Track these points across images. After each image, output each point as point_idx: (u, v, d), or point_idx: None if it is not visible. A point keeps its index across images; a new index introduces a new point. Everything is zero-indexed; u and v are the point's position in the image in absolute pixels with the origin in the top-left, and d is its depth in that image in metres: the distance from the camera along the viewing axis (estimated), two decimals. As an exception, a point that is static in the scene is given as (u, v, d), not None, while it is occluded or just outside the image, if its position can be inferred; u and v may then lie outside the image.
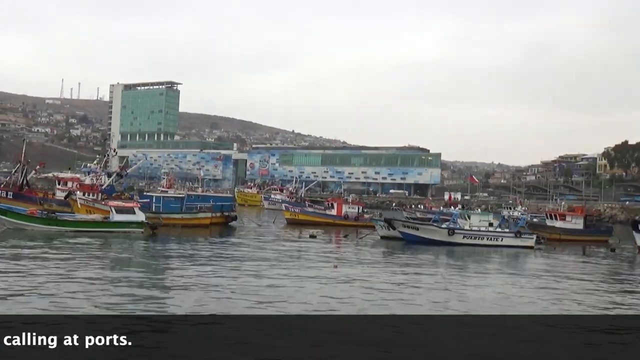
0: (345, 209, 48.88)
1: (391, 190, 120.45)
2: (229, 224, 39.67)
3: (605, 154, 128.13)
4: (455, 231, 34.43)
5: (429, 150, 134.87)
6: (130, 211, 32.38)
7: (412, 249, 30.96)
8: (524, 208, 57.72)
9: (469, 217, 36.40)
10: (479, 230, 35.53)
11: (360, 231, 38.20)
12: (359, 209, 50.08)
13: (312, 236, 36.20)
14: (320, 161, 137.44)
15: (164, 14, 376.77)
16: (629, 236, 38.07)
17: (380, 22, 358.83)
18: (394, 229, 35.23)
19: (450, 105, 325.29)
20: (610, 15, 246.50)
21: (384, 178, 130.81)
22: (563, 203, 54.25)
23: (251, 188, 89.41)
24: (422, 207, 68.76)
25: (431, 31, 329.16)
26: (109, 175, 49.38)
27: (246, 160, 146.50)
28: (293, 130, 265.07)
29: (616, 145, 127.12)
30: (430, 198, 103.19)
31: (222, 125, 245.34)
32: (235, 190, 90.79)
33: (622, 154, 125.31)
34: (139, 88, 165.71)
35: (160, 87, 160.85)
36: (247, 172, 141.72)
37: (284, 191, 76.12)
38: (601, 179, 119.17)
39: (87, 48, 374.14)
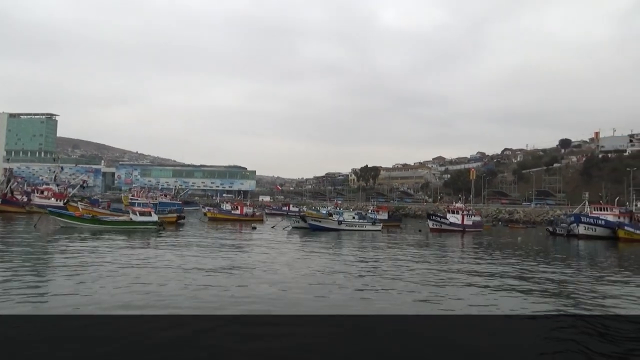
0: (245, 209, 66.34)
1: (224, 195, 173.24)
2: (180, 221, 51.46)
3: (354, 172, 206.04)
4: (342, 222, 49.27)
5: (246, 168, 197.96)
6: (148, 214, 40.19)
7: (318, 233, 43.49)
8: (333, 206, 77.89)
9: (343, 214, 52.55)
10: (353, 221, 51.84)
11: (278, 223, 51.94)
12: (253, 209, 69.51)
13: (254, 227, 47.89)
14: (172, 174, 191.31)
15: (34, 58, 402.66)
16: (423, 222, 61.66)
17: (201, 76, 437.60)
18: (305, 222, 48.42)
19: (250, 137, 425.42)
20: (346, 84, 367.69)
21: (218, 187, 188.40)
22: (375, 203, 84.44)
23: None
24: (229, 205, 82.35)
25: (230, 87, 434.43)
26: (73, 186, 74.00)
27: (113, 172, 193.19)
28: (137, 151, 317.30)
29: (361, 167, 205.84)
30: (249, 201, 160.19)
31: (81, 146, 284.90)
32: (122, 195, 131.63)
33: (364, 172, 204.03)
34: (22, 117, 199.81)
35: (42, 117, 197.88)
36: (115, 182, 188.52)
37: (167, 196, 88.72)
38: (352, 187, 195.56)
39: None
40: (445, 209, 60.59)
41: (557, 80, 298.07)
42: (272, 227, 50.55)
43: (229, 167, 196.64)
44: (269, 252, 27.65)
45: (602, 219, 50.59)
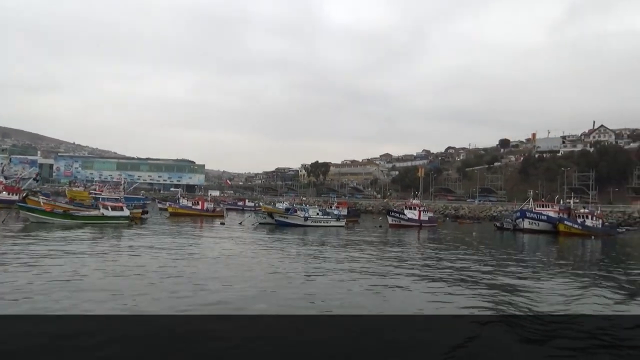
0: (206, 205, 66.98)
1: (171, 189, 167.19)
2: (144, 216, 50.29)
3: (304, 167, 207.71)
4: (308, 218, 50.27)
5: (195, 162, 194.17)
6: (120, 209, 39.93)
7: (284, 228, 45.52)
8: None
9: (308, 210, 53.22)
10: (319, 217, 52.72)
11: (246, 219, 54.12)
12: (214, 204, 70.68)
13: (222, 223, 49.24)
14: (116, 167, 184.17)
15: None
16: (377, 218, 70.50)
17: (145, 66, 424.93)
18: (273, 218, 49.70)
19: (197, 129, 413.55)
20: (295, 79, 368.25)
21: (165, 181, 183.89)
22: (335, 200, 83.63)
23: (79, 187, 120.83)
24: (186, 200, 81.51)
25: (175, 77, 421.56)
26: (25, 179, 75.58)
27: (51, 164, 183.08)
28: (74, 142, 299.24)
29: (311, 163, 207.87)
30: (198, 194, 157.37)
31: (12, 135, 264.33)
32: (66, 189, 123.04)
33: (314, 168, 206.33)
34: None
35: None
36: (54, 174, 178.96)
37: (105, 189, 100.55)
38: (302, 183, 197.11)
39: None
40: (403, 206, 63.14)
41: (496, 83, 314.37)
42: (240, 224, 51.03)
43: (177, 160, 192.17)
44: (262, 252, 28.04)
45: (544, 215, 54.99)
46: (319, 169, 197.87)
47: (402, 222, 56.00)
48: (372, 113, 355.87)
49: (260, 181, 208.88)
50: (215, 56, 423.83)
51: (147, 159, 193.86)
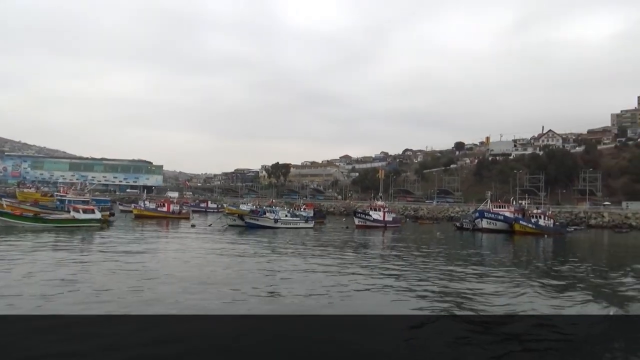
0: (172, 207, 66.60)
1: (127, 190, 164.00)
2: (111, 218, 49.10)
3: (265, 168, 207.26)
4: (278, 220, 50.66)
5: (152, 162, 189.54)
6: (91, 212, 39.34)
7: (254, 230, 45.69)
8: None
9: (278, 212, 53.66)
10: (289, 218, 53.47)
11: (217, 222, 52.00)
12: (180, 206, 69.87)
13: (193, 225, 49.24)
14: (68, 168, 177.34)
15: None
16: (341, 219, 75.08)
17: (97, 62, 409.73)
18: (242, 220, 49.34)
19: (153, 129, 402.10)
20: (255, 80, 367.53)
21: (121, 182, 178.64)
22: (301, 201, 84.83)
23: (30, 188, 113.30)
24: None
25: (130, 75, 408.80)
26: None
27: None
28: (20, 140, 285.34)
29: (272, 164, 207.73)
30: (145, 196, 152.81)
31: None
32: (16, 190, 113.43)
33: (275, 169, 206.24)
34: None
35: None
36: (0, 174, 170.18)
37: (70, 191, 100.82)
38: (263, 184, 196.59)
39: None
40: (369, 207, 64.76)
41: (452, 86, 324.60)
42: (209, 225, 50.96)
43: (134, 161, 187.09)
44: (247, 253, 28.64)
45: (501, 215, 57.98)
46: (279, 170, 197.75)
47: (368, 223, 57.52)
48: (331, 114, 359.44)
49: (219, 182, 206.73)
50: (173, 54, 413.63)
51: (102, 159, 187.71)
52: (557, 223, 63.25)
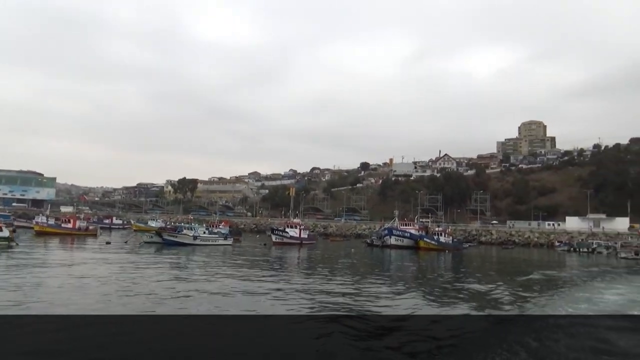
0: (78, 223, 63.30)
1: (13, 204, 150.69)
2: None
3: (170, 183, 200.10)
4: (197, 237, 50.66)
5: (43, 174, 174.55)
6: None
7: (173, 247, 44.55)
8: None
9: (197, 229, 54.43)
10: (207, 235, 53.85)
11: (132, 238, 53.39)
12: (87, 222, 67.31)
13: (108, 242, 47.12)
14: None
15: None
16: (254, 236, 78.29)
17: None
18: (161, 237, 48.38)
19: (41, 138, 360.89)
20: (159, 91, 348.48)
21: (5, 194, 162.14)
22: (218, 219, 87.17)
23: None
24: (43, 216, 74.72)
25: (24, 82, 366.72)
26: None
27: None
28: None
29: (179, 179, 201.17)
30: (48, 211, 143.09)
31: None
32: None
33: (182, 184, 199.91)
34: None
35: None
36: None
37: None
38: (168, 199, 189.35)
39: None
40: (285, 224, 66.12)
41: (358, 108, 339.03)
42: (125, 242, 49.13)
43: (21, 172, 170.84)
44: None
45: (407, 232, 62.53)
46: (186, 185, 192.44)
47: (285, 240, 58.81)
48: (239, 130, 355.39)
49: (120, 197, 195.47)
50: (66, 60, 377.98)
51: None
52: (455, 240, 69.48)
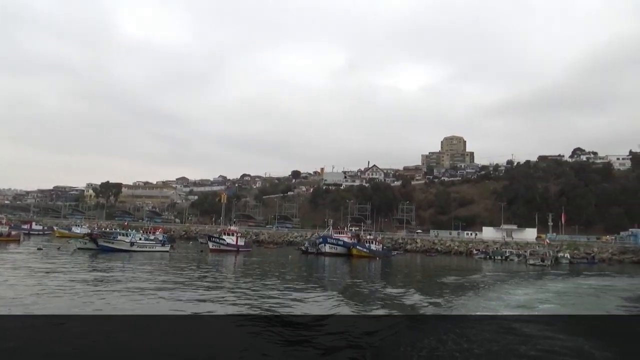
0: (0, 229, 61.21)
1: None
2: None
3: (92, 187, 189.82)
4: (134, 243, 50.06)
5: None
6: None
7: (109, 254, 43.62)
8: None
9: (135, 235, 53.19)
10: (145, 242, 52.95)
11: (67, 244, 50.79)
12: (8, 227, 64.28)
13: (40, 249, 46.59)
14: None
15: None
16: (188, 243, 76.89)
17: None
18: (96, 243, 47.40)
19: None
20: (77, 89, 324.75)
21: None
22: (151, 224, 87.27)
23: None
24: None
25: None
26: None
27: None
28: None
29: (101, 183, 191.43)
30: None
31: None
32: None
33: (105, 188, 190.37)
34: None
35: None
36: None
37: None
38: (90, 204, 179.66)
39: None
40: (222, 231, 66.46)
41: (290, 117, 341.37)
42: (58, 249, 47.26)
43: None
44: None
45: (341, 240, 65.45)
46: (109, 189, 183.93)
47: (222, 247, 59.33)
48: (166, 134, 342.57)
49: (34, 200, 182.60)
50: None
51: None
52: (385, 248, 73.51)
